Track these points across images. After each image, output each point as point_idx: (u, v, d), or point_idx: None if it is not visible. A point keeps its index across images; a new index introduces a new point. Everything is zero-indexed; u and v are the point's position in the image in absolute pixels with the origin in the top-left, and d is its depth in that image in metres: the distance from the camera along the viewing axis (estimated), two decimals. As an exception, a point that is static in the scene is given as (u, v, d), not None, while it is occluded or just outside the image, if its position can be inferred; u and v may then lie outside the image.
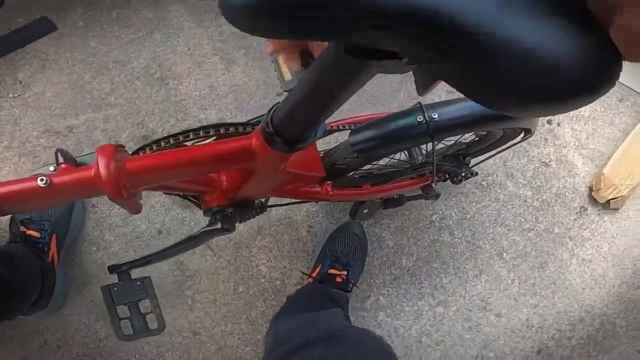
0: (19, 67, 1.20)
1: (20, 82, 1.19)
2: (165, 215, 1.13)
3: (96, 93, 1.20)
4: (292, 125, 0.47)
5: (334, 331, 0.77)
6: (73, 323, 1.06)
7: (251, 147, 0.52)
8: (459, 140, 0.93)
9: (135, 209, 0.53)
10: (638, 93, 1.40)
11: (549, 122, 1.33)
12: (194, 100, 1.22)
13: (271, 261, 1.13)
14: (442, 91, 1.30)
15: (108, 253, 1.10)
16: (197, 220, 1.13)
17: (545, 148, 1.30)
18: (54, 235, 1.01)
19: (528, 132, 0.82)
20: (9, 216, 1.03)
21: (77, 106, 1.18)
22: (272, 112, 0.48)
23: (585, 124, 1.34)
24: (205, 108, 1.22)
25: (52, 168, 0.49)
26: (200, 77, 1.24)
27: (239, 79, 1.25)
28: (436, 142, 0.71)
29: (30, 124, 1.16)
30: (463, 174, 1.00)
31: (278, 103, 0.47)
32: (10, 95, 1.17)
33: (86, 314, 1.07)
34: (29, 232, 0.99)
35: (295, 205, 1.14)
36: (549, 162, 1.29)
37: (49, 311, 1.02)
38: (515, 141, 0.88)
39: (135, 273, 0.72)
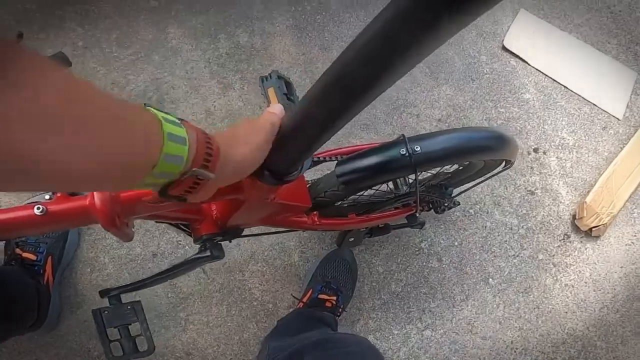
0: (17, 87, 1.21)
1: (18, 102, 1.19)
2: (160, 239, 1.14)
3: (94, 115, 1.21)
4: (280, 159, 0.48)
5: (323, 338, 0.82)
6: (66, 342, 1.07)
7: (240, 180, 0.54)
8: (442, 170, 0.95)
9: (127, 237, 0.55)
10: (620, 120, 1.45)
11: (535, 150, 1.37)
12: (191, 124, 1.24)
13: (263, 285, 1.16)
14: (432, 119, 1.34)
15: (103, 274, 1.11)
16: (192, 243, 1.15)
17: (531, 176, 1.34)
18: (50, 257, 1.03)
19: (508, 162, 0.85)
20: (4, 237, 1.04)
21: (74, 127, 1.19)
22: None
23: (570, 153, 1.39)
24: (202, 132, 1.23)
25: (47, 197, 0.50)
26: (197, 100, 1.26)
27: (235, 104, 1.27)
28: (419, 173, 0.72)
29: (27, 144, 1.16)
30: (446, 204, 1.02)
31: None
32: (8, 115, 1.18)
33: (79, 333, 1.08)
34: (25, 254, 1.00)
35: (287, 232, 1.17)
36: (535, 190, 1.33)
37: (43, 331, 1.03)
38: (495, 171, 0.91)
39: (127, 297, 0.73)
